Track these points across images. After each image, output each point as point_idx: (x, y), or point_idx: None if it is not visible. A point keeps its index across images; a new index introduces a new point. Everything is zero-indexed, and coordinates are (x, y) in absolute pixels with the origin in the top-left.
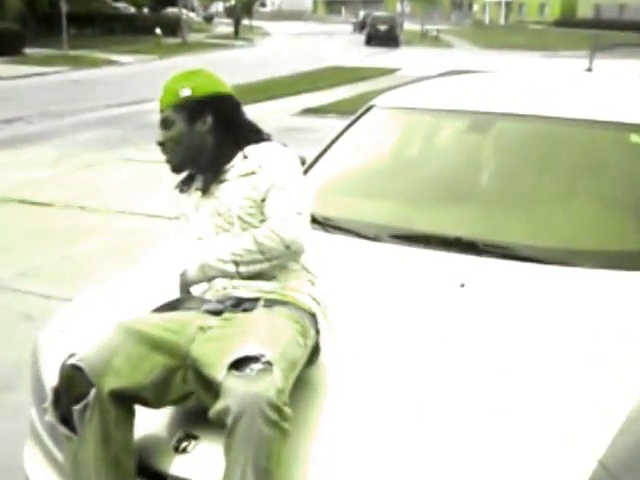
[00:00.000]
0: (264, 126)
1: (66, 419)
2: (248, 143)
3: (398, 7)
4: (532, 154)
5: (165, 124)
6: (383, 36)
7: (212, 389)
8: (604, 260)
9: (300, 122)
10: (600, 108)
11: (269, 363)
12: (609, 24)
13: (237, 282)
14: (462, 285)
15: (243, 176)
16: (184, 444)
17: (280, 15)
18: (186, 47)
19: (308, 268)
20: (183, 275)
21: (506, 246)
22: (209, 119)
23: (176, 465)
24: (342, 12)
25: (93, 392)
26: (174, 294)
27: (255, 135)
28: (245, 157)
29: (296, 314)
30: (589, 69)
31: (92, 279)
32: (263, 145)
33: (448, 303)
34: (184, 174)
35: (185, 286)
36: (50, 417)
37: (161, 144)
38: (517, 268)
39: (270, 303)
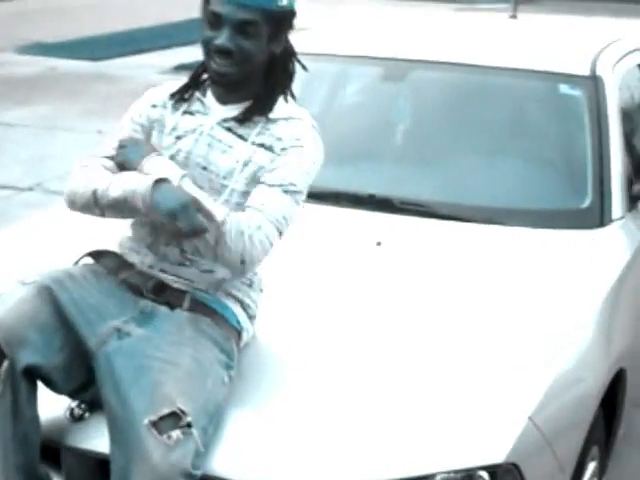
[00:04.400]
0: (129, 85)
1: None
2: (285, 96)
3: None
4: (451, 106)
5: (244, 29)
6: None
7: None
8: (525, 218)
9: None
10: (526, 56)
11: (189, 425)
12: None
13: (167, 266)
14: (378, 244)
15: (262, 146)
16: (78, 412)
17: None
18: None
19: None
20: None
21: (423, 204)
22: (284, 42)
23: (71, 435)
24: None
25: (6, 365)
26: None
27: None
28: (285, 119)
29: (223, 336)
30: (513, 16)
31: None
32: (300, 114)
33: (365, 262)
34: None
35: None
36: None
37: (227, 52)
38: (435, 226)
39: (196, 305)
